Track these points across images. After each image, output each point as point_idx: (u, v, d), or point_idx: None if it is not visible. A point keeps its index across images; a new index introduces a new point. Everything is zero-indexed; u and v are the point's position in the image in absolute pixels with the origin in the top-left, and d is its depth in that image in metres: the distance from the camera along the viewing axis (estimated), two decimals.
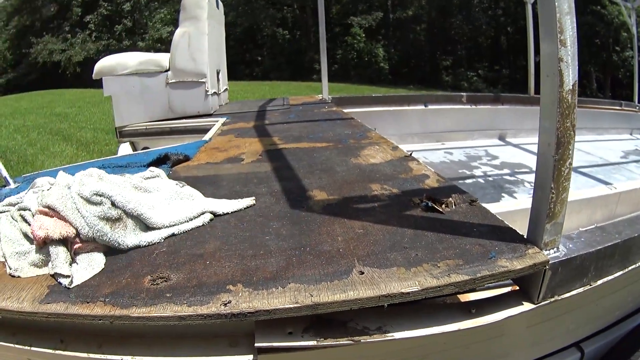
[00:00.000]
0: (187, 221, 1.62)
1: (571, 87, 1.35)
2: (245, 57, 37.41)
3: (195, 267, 1.33)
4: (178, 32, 4.80)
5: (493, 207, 2.18)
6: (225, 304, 1.13)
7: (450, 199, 1.75)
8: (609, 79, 29.29)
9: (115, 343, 1.29)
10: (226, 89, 6.21)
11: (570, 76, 1.34)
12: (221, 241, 1.50)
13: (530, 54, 7.41)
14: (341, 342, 1.19)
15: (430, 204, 1.69)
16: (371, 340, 1.21)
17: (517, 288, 1.52)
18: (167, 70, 4.84)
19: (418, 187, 1.96)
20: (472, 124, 6.56)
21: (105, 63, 4.74)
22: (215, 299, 1.16)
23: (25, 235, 1.48)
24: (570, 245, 1.55)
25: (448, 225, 1.56)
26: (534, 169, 4.08)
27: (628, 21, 8.78)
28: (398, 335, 1.24)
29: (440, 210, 1.66)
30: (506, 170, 5.10)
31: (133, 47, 35.21)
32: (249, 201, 1.82)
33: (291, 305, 1.13)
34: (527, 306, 1.44)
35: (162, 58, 4.88)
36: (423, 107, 6.40)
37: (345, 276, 1.23)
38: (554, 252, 1.48)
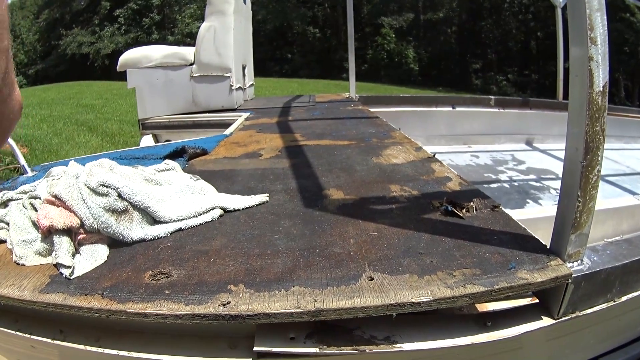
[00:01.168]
0: (196, 216, 1.57)
1: (601, 88, 1.26)
2: (275, 54, 37.62)
3: (199, 264, 1.28)
4: (204, 26, 4.80)
5: (516, 214, 2.09)
6: (224, 305, 1.07)
7: (472, 203, 1.66)
8: (637, 87, 28.97)
9: (114, 337, 1.25)
10: (252, 84, 6.19)
11: (601, 77, 1.26)
12: (228, 238, 1.44)
13: (560, 59, 7.30)
14: (345, 351, 1.12)
15: (450, 207, 1.60)
16: (377, 351, 1.14)
17: (537, 300, 1.42)
18: (191, 64, 4.84)
19: (439, 190, 1.88)
20: (499, 128, 6.47)
21: (130, 55, 4.75)
22: (215, 299, 1.10)
23: (34, 224, 1.44)
24: (595, 258, 1.44)
25: (467, 231, 1.48)
26: (561, 175, 4.00)
27: None
28: (407, 346, 1.16)
29: (461, 215, 1.57)
30: (532, 176, 5.02)
31: (162, 41, 35.55)
32: (262, 198, 1.77)
33: (293, 310, 1.06)
34: (546, 321, 1.35)
35: (187, 51, 4.88)
36: (450, 109, 6.34)
37: (354, 282, 1.16)
38: (578, 265, 1.37)
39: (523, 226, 1.55)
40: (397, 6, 37.47)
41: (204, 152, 2.60)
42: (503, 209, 1.68)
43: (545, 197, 4.29)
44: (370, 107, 5.38)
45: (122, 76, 4.78)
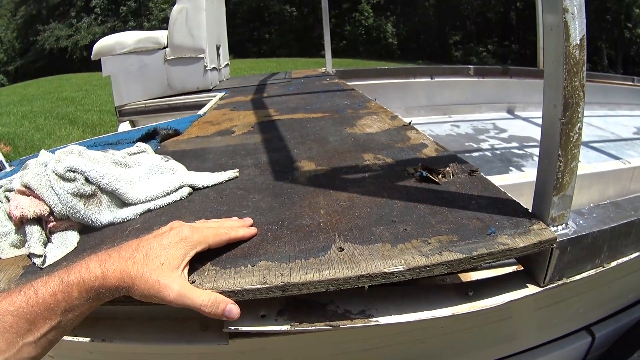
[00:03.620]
0: (165, 196, 1.52)
1: (579, 41, 1.18)
2: (253, 35, 37.94)
3: None
4: (175, 8, 4.77)
5: (498, 180, 2.07)
6: (191, 282, 1.03)
7: (448, 168, 1.61)
8: (620, 56, 29.13)
9: (87, 325, 1.22)
10: (227, 64, 6.13)
11: (578, 29, 1.18)
12: (196, 216, 1.39)
13: (540, 27, 7.17)
14: (318, 327, 1.09)
15: (425, 173, 1.56)
16: (352, 326, 1.10)
17: (522, 268, 1.39)
18: (165, 47, 4.80)
19: (414, 157, 1.84)
20: (479, 97, 6.49)
21: (103, 43, 4.72)
22: None
23: (9, 216, 1.40)
24: (581, 222, 1.38)
25: (444, 197, 1.43)
26: None
27: None
28: (383, 320, 1.12)
29: (436, 180, 1.53)
30: (514, 144, 5.02)
31: (139, 29, 35.63)
32: (231, 173, 1.73)
33: (259, 286, 1.01)
34: (532, 289, 1.30)
35: (160, 35, 4.84)
36: (429, 79, 6.34)
37: (323, 253, 1.12)
38: (562, 229, 1.30)
39: (503, 190, 1.50)
40: None
41: (177, 133, 2.55)
42: (482, 173, 1.63)
43: (528, 164, 4.30)
44: (347, 80, 5.35)
45: (100, 66, 4.75)
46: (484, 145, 4.96)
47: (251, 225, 1.25)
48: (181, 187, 1.58)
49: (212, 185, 1.65)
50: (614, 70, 29.08)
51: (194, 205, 1.50)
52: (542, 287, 1.30)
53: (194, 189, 1.62)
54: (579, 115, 1.23)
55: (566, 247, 1.28)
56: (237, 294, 1.01)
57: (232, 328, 1.07)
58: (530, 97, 6.60)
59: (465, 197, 1.43)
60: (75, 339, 1.20)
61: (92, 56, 4.73)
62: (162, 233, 1.04)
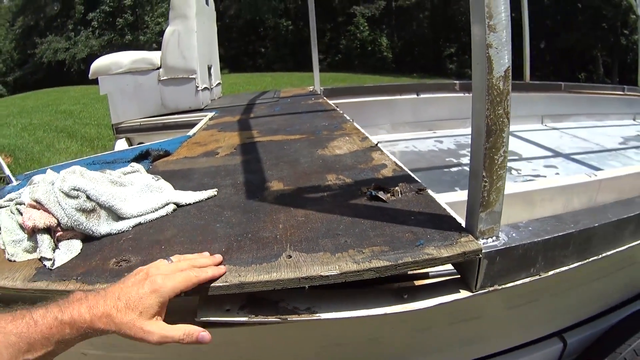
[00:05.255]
0: (153, 211, 1.78)
1: (503, 73, 1.37)
2: (248, 49, 37.75)
3: (153, 251, 1.50)
4: (168, 30, 5.00)
5: (453, 196, 2.28)
6: None
7: (397, 187, 1.86)
8: (616, 63, 29.09)
9: None
10: (219, 83, 6.39)
11: (501, 62, 1.36)
12: (178, 229, 1.66)
13: (525, 40, 7.44)
14: (270, 319, 1.33)
15: (374, 192, 1.80)
16: (298, 319, 1.35)
17: (459, 276, 1.57)
18: (159, 68, 5.02)
19: (372, 177, 2.08)
20: (464, 112, 6.40)
21: (100, 63, 4.94)
22: None
23: (20, 226, 1.65)
24: (514, 235, 1.55)
25: (387, 213, 1.66)
26: (524, 155, 4.24)
27: (633, 3, 8.92)
28: (324, 315, 1.36)
29: (384, 199, 1.77)
30: None
31: (135, 42, 35.64)
32: (211, 192, 1.99)
33: (221, 284, 1.28)
34: (463, 294, 1.48)
35: (154, 56, 5.07)
36: (415, 96, 6.51)
37: (274, 259, 1.37)
38: (492, 241, 1.48)
39: (444, 207, 1.70)
40: None
41: (167, 154, 2.80)
42: (429, 192, 1.86)
43: (507, 177, 4.37)
44: (335, 98, 5.62)
45: (97, 80, 4.96)
46: (464, 160, 5.13)
47: (221, 263, 1.41)
48: (167, 204, 1.84)
49: (193, 203, 1.91)
50: (610, 78, 29.00)
51: (177, 219, 1.76)
52: (473, 292, 1.48)
53: (178, 205, 1.88)
54: (504, 140, 1.41)
55: (495, 257, 1.46)
56: (205, 290, 1.28)
57: (203, 319, 1.33)
58: (514, 110, 6.59)
59: (406, 214, 1.65)
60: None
61: (89, 75, 4.96)
62: (139, 282, 1.23)
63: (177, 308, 1.40)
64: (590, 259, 1.70)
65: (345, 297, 1.44)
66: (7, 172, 2.65)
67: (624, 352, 2.46)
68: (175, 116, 4.88)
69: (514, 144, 5.75)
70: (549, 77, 31.64)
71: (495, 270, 1.48)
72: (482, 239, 1.47)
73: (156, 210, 1.80)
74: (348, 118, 3.74)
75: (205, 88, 5.38)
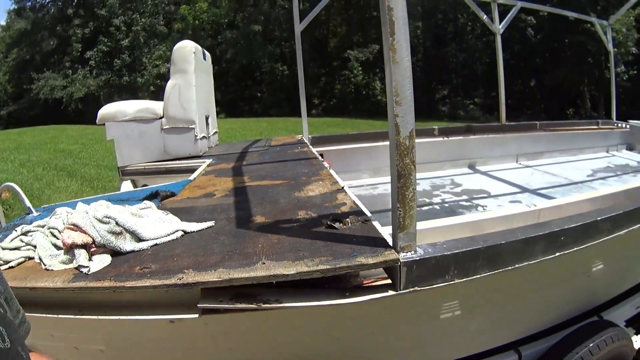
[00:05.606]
0: (166, 236, 2.38)
1: (408, 134, 1.93)
2: (245, 94, 37.35)
3: (167, 262, 2.06)
4: (169, 83, 5.54)
5: None
6: (179, 279, 1.87)
7: (348, 219, 2.45)
8: (602, 96, 29.37)
9: (113, 310, 2.03)
10: (216, 131, 6.92)
11: (405, 127, 1.92)
12: (185, 247, 2.24)
13: (501, 83, 7.91)
14: (249, 306, 1.90)
15: (329, 223, 2.40)
16: (268, 306, 1.91)
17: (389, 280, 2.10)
18: (161, 118, 5.56)
19: (332, 212, 2.64)
20: (442, 155, 7.06)
21: (106, 110, 5.46)
22: (175, 277, 1.89)
23: (54, 245, 2.25)
24: (430, 250, 2.07)
25: (337, 237, 2.23)
26: (492, 193, 4.77)
27: (604, 39, 9.31)
28: (286, 304, 1.92)
29: (337, 227, 2.36)
30: (464, 197, 5.63)
31: (133, 83, 35.67)
32: (209, 223, 2.58)
33: (216, 279, 1.86)
34: (390, 293, 2.02)
35: (157, 106, 5.61)
36: None
37: (253, 265, 1.94)
38: (411, 254, 2.01)
39: (380, 232, 2.27)
40: (363, 38, 37.92)
41: (173, 194, 3.37)
42: (373, 222, 2.43)
43: (470, 213, 4.80)
44: (322, 146, 6.22)
45: (94, 120, 5.48)
46: (436, 200, 5.58)
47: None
48: (176, 231, 2.44)
49: (196, 231, 2.50)
50: (597, 112, 28.82)
51: (184, 241, 2.35)
52: (397, 292, 2.02)
53: (185, 232, 2.47)
54: (412, 181, 1.98)
55: (412, 265, 2.00)
56: (206, 283, 1.87)
57: (203, 306, 1.92)
58: (490, 151, 7.22)
59: (351, 237, 2.24)
60: (104, 317, 2.06)
61: (97, 121, 5.45)
62: None
63: (183, 298, 2.00)
64: (502, 270, 2.21)
65: (304, 294, 2.01)
66: (28, 203, 3.18)
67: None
68: (176, 162, 5.35)
69: (485, 183, 6.21)
70: (540, 114, 31.83)
71: (415, 276, 2.02)
72: (402, 252, 2.02)
73: (168, 235, 2.40)
74: (326, 165, 4.30)
75: (204, 137, 5.91)
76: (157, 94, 34.31)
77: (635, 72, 28.64)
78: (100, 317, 2.02)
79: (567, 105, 33.59)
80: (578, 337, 3.00)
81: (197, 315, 1.96)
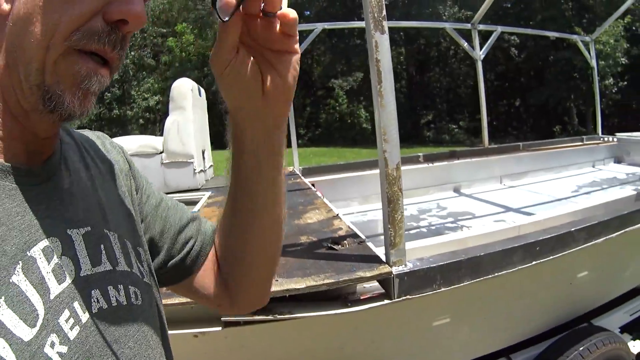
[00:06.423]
0: None
1: (395, 166, 2.29)
2: None
3: None
4: (168, 120, 5.84)
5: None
6: None
7: (346, 241, 2.76)
8: (589, 110, 29.19)
9: None
10: (211, 165, 7.24)
11: (392, 160, 2.29)
12: None
13: (482, 108, 8.21)
14: (266, 318, 2.18)
15: (329, 245, 2.71)
16: (282, 317, 2.19)
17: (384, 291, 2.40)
18: (161, 152, 5.85)
19: (331, 236, 2.93)
20: (428, 181, 7.21)
21: None
22: None
23: None
24: (418, 263, 2.36)
25: (337, 257, 2.53)
26: (477, 214, 5.04)
27: (587, 55, 9.57)
28: (298, 314, 2.21)
29: (336, 248, 2.66)
30: (450, 219, 5.81)
31: (123, 116, 35.87)
32: None
33: None
34: (385, 302, 2.31)
35: (157, 141, 5.93)
36: None
37: None
38: (402, 268, 2.30)
39: (374, 251, 2.58)
40: (347, 67, 38.09)
41: None
42: (367, 242, 2.76)
43: (455, 234, 4.80)
44: (313, 176, 6.47)
45: None
46: (423, 224, 5.77)
47: None
48: None
49: None
50: (585, 127, 29.39)
51: None
52: (392, 300, 2.30)
53: None
54: (400, 205, 2.33)
55: (404, 277, 2.29)
56: None
57: (225, 319, 2.20)
58: (474, 174, 7.40)
59: (349, 256, 2.54)
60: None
61: None
62: None
63: (206, 314, 2.26)
64: (483, 278, 2.50)
65: (312, 305, 2.30)
66: None
67: None
68: (177, 194, 5.50)
69: (470, 206, 6.41)
70: (526, 134, 32.05)
71: (407, 286, 2.31)
72: (395, 266, 2.32)
73: None
74: (319, 195, 4.62)
75: (201, 170, 6.21)
76: (146, 127, 34.48)
77: (626, 83, 28.40)
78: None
79: (554, 122, 33.82)
80: (568, 342, 3.17)
81: (219, 328, 2.22)
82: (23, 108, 0.72)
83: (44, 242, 0.71)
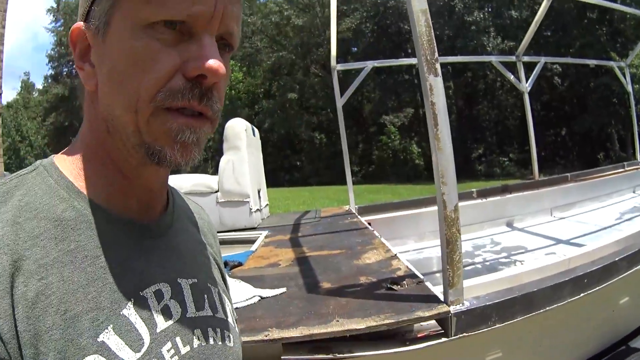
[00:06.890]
0: (245, 300, 2.68)
1: (453, 208, 2.32)
2: (284, 164, 37.28)
3: (251, 322, 2.35)
4: (223, 159, 5.93)
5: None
6: (266, 336, 2.16)
7: (405, 281, 2.77)
8: (629, 134, 28.90)
9: None
10: (267, 204, 7.27)
11: (451, 202, 2.32)
12: (264, 310, 2.54)
13: (532, 141, 8.18)
14: (325, 357, 2.19)
15: (389, 285, 2.72)
16: (341, 356, 2.20)
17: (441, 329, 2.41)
18: (216, 191, 5.91)
19: (390, 276, 2.95)
20: (481, 216, 7.14)
21: None
22: (261, 334, 2.18)
23: None
24: (475, 301, 2.39)
25: (396, 297, 2.54)
26: (529, 248, 4.99)
27: (623, 80, 9.50)
28: (358, 353, 2.21)
29: (395, 289, 2.67)
30: (503, 254, 5.78)
31: None
32: (282, 290, 2.89)
33: (297, 335, 2.15)
34: (443, 340, 2.33)
35: (212, 180, 6.01)
36: (436, 207, 7.09)
37: (329, 322, 2.23)
38: (460, 307, 2.33)
39: (432, 290, 2.59)
40: (397, 102, 38.28)
41: (240, 264, 3.70)
42: (426, 283, 2.75)
43: (510, 269, 4.72)
44: (368, 215, 6.46)
45: None
46: (477, 260, 5.74)
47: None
48: (254, 296, 2.76)
49: (272, 296, 2.80)
50: (625, 152, 29.02)
51: (262, 305, 2.66)
52: (449, 338, 2.32)
53: (262, 297, 2.78)
54: (458, 246, 2.36)
55: (461, 315, 2.31)
56: (287, 339, 2.17)
57: (286, 358, 2.22)
58: (526, 208, 7.34)
59: (408, 296, 2.55)
60: None
61: None
62: None
63: (265, 353, 2.27)
64: (535, 313, 2.51)
65: (372, 345, 2.30)
66: None
67: None
68: (234, 233, 5.66)
69: (522, 239, 6.34)
70: (573, 163, 31.57)
71: (463, 324, 2.33)
72: (452, 305, 2.33)
73: (247, 300, 2.71)
74: (377, 235, 4.62)
75: (257, 209, 6.27)
76: (197, 165, 34.89)
77: None
78: None
79: (597, 149, 33.34)
80: None
81: None
82: (132, 165, 0.81)
83: (156, 286, 0.82)
